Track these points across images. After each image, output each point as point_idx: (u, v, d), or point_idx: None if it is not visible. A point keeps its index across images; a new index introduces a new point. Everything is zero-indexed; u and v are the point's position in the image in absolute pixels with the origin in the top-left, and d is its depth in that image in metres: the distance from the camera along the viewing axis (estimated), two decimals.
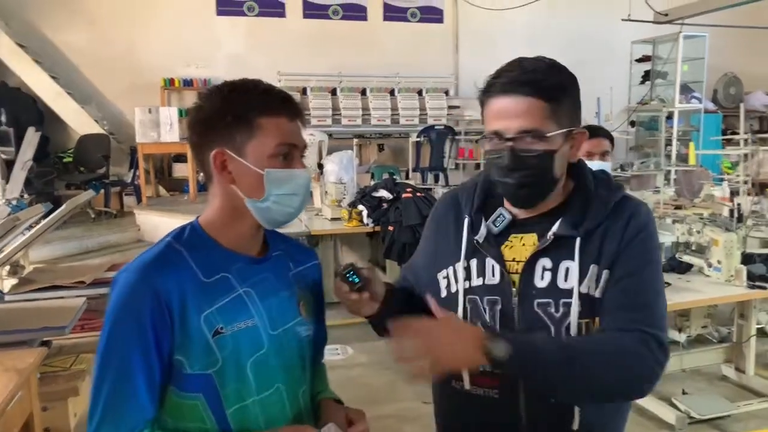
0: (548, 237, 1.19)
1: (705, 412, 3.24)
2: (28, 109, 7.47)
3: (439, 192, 5.98)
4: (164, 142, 6.98)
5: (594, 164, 2.40)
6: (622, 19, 5.94)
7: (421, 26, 9.04)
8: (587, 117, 8.82)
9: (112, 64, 7.84)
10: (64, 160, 7.70)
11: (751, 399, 3.47)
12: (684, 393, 3.46)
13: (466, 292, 1.24)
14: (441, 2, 9.10)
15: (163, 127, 6.89)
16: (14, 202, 4.50)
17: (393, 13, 8.97)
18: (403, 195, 5.27)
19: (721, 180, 6.38)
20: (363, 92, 8.14)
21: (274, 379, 1.16)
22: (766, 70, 10.44)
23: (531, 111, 1.14)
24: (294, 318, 1.20)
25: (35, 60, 7.40)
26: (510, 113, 1.15)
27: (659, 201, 5.01)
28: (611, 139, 2.74)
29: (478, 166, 8.01)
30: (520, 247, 1.23)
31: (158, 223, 6.36)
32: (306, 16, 8.68)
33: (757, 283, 3.17)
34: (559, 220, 1.20)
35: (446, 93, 8.49)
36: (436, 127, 7.64)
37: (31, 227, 3.15)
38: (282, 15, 8.58)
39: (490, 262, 1.23)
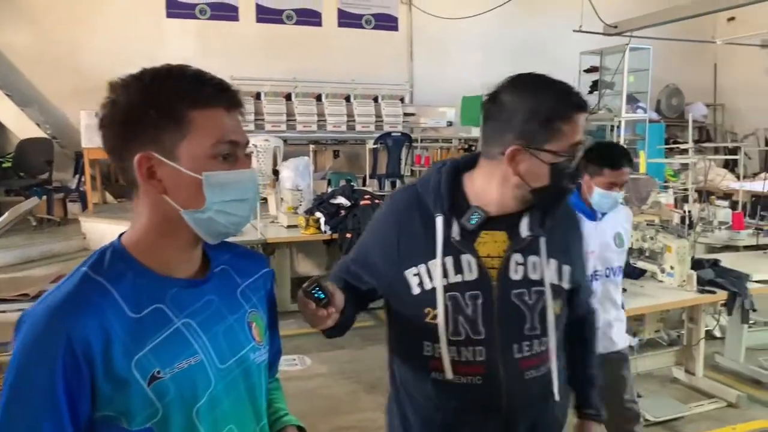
0: (524, 237, 1.32)
1: (659, 414, 3.33)
2: None
3: None
4: None
5: (610, 196, 2.35)
6: (574, 30, 6.09)
7: (376, 33, 9.06)
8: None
9: (56, 66, 7.53)
10: (3, 165, 7.32)
11: (701, 400, 3.59)
12: (638, 396, 3.54)
13: (446, 289, 1.29)
14: (395, 10, 9.14)
15: None
16: None
17: (347, 20, 8.95)
18: (362, 202, 5.25)
19: (667, 187, 6.64)
20: (318, 98, 8.08)
21: (226, 421, 1.00)
22: (706, 82, 10.94)
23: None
24: (246, 345, 1.04)
25: None
26: (584, 127, 1.28)
27: None
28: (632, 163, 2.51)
29: None
30: (492, 243, 1.32)
31: (105, 231, 6.12)
32: (259, 20, 8.56)
33: (707, 288, 3.30)
34: (526, 220, 1.32)
35: (401, 100, 8.52)
36: (392, 134, 7.66)
37: None
38: (235, 18, 8.44)
39: (466, 258, 1.30)
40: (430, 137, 8.47)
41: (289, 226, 5.63)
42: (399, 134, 7.73)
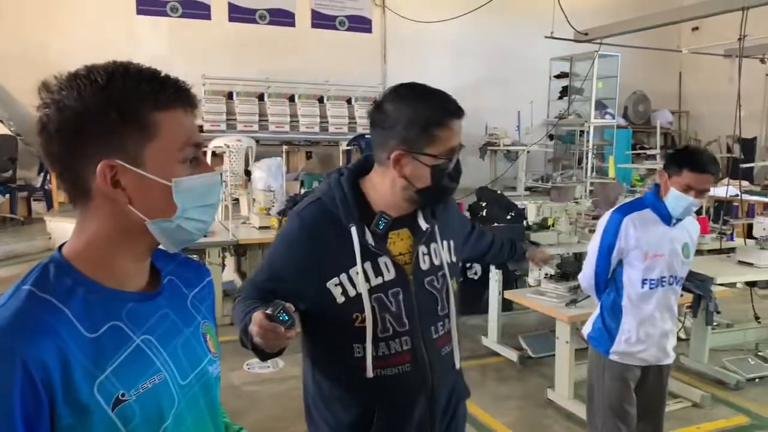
0: (425, 229, 1.48)
1: None
2: None
3: None
4: None
5: (685, 199, 2.25)
6: (546, 37, 6.19)
7: (350, 35, 9.06)
8: (509, 130, 9.14)
9: (22, 62, 7.32)
10: None
11: (667, 400, 3.66)
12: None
13: (371, 291, 1.39)
14: (369, 12, 9.15)
15: None
16: None
17: (321, 21, 8.93)
18: None
19: (634, 192, 6.79)
20: (291, 99, 8.04)
21: None
22: (671, 89, 11.22)
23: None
24: (204, 358, 1.00)
25: None
26: (460, 131, 1.41)
27: (580, 212, 5.24)
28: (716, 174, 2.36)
29: None
30: (399, 242, 1.47)
31: (71, 231, 5.99)
32: (232, 19, 8.47)
33: None
34: (420, 215, 1.48)
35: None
36: (366, 136, 7.65)
37: None
38: (207, 17, 8.33)
39: (383, 260, 1.41)
40: None
41: (261, 227, 5.59)
42: None
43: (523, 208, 5.24)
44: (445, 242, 1.52)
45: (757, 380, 4.10)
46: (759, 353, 4.46)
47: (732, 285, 4.42)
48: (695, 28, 9.73)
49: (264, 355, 1.28)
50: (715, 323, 4.05)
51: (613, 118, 9.19)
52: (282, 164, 6.16)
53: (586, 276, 2.54)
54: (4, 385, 0.77)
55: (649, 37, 8.07)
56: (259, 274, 1.50)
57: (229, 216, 5.46)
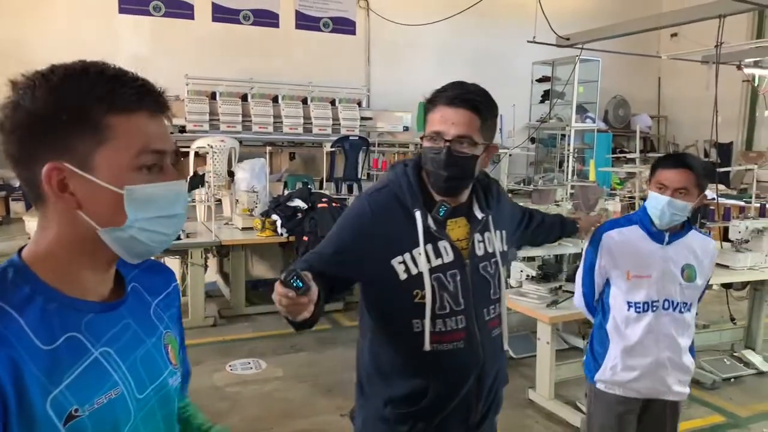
0: (480, 218, 1.61)
1: None
2: None
3: None
4: None
5: (658, 200, 2.06)
6: (528, 41, 6.25)
7: (334, 36, 9.06)
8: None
9: None
10: None
11: None
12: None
13: (431, 271, 1.52)
14: (353, 14, 9.16)
15: None
16: None
17: (305, 22, 8.92)
18: (319, 205, 5.25)
19: (614, 195, 6.89)
20: (275, 99, 8.02)
21: None
22: (650, 94, 11.40)
23: (469, 122, 1.50)
24: (164, 370, 0.97)
25: None
26: (452, 120, 1.49)
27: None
28: (707, 173, 2.18)
29: None
30: (457, 229, 1.59)
31: None
32: (215, 19, 8.42)
33: None
34: (475, 205, 1.62)
35: (359, 104, 8.55)
36: (350, 138, 7.67)
37: None
38: (190, 17, 8.28)
39: (442, 244, 1.54)
40: (387, 141, 8.52)
41: (244, 228, 5.58)
42: (357, 138, 7.74)
43: None
44: (498, 232, 1.65)
45: (732, 380, 4.20)
46: (734, 354, 4.56)
47: (708, 287, 4.51)
48: (674, 35, 9.90)
49: (294, 325, 1.37)
50: None
51: (594, 122, 9.30)
52: (265, 165, 6.15)
53: (577, 296, 2.40)
54: None
55: (630, 42, 8.19)
56: (327, 248, 1.58)
57: (211, 217, 5.44)
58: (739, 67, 7.49)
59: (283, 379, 4.14)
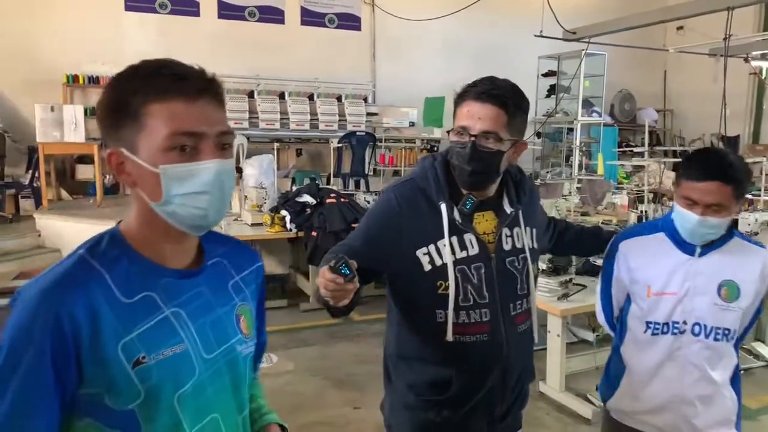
0: (509, 213, 1.60)
1: None
2: None
3: (361, 198, 6.00)
4: (68, 143, 6.53)
5: (688, 218, 1.68)
6: (535, 35, 6.25)
7: (339, 32, 9.07)
8: None
9: (8, 57, 7.26)
10: None
11: None
12: (598, 389, 3.68)
13: (455, 263, 1.53)
14: (358, 10, 9.17)
15: (67, 127, 6.45)
16: None
17: (311, 18, 8.94)
18: (327, 200, 5.26)
19: (620, 189, 6.89)
20: (281, 96, 8.04)
21: (210, 410, 1.02)
22: (656, 88, 11.37)
23: (495, 118, 1.49)
24: (233, 337, 1.07)
25: None
26: (479, 115, 1.50)
27: (569, 208, 5.32)
28: (747, 175, 1.72)
29: (396, 173, 8.13)
30: (485, 222, 1.60)
31: (61, 229, 5.96)
32: (221, 16, 8.46)
33: None
34: (505, 199, 1.62)
35: (365, 100, 8.57)
36: (357, 134, 7.68)
37: None
38: (196, 14, 8.31)
39: (468, 237, 1.55)
40: (393, 137, 8.53)
41: (253, 224, 5.60)
42: (363, 133, 7.75)
43: None
44: (528, 228, 1.64)
45: (742, 372, 4.19)
46: (744, 346, 4.56)
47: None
48: (680, 28, 9.87)
49: (333, 311, 1.40)
50: None
51: (600, 116, 9.29)
52: (273, 161, 6.17)
53: (597, 311, 2.02)
54: (41, 333, 0.88)
55: (635, 36, 8.17)
56: (356, 239, 1.61)
57: None
58: (746, 60, 7.47)
59: (294, 372, 4.17)
